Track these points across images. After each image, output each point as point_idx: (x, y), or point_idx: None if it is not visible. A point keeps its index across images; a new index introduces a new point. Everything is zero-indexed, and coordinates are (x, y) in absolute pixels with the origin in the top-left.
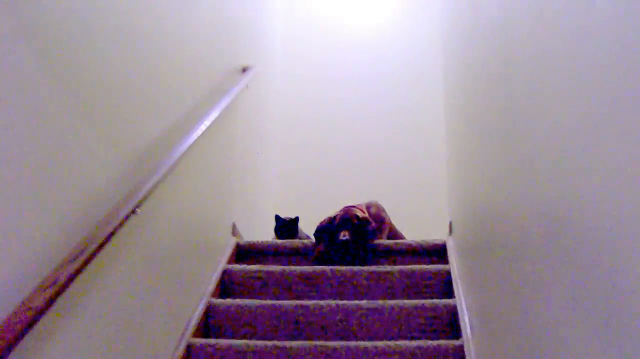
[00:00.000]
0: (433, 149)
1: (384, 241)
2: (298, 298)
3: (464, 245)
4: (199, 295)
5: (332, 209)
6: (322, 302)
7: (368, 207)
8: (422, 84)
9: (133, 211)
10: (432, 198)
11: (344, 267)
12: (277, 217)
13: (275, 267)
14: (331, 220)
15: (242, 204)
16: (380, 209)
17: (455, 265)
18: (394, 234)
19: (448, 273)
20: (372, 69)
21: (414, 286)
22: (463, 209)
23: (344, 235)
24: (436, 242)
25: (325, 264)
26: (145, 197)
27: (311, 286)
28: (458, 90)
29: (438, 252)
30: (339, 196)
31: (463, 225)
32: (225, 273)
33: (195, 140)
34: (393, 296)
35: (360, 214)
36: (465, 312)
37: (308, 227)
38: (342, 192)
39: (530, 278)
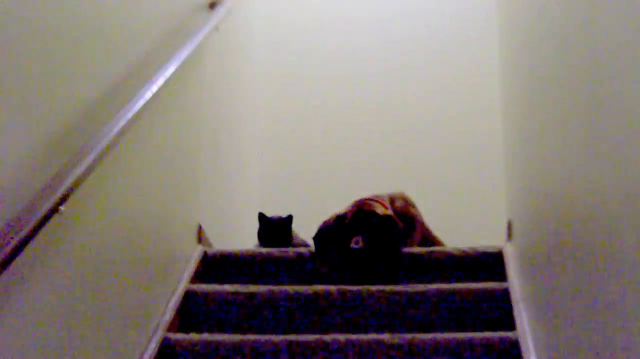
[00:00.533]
0: (481, 121)
1: (414, 249)
2: (292, 331)
3: (530, 253)
4: (151, 328)
5: (339, 207)
6: (326, 337)
7: (392, 200)
8: (470, 31)
9: (55, 209)
10: (480, 189)
11: (357, 287)
12: (262, 217)
13: (259, 288)
14: (339, 219)
15: (212, 200)
16: (408, 203)
17: (516, 282)
18: (427, 238)
19: (506, 294)
20: (399, 11)
21: (457, 313)
22: (529, 203)
23: (357, 242)
24: (488, 250)
25: (330, 283)
26: (72, 189)
27: (311, 313)
28: (521, 46)
29: (491, 265)
30: (347, 189)
31: (528, 225)
32: (187, 295)
33: (144, 106)
34: (428, 328)
35: (380, 210)
36: (532, 351)
37: (305, 232)
38: (352, 183)
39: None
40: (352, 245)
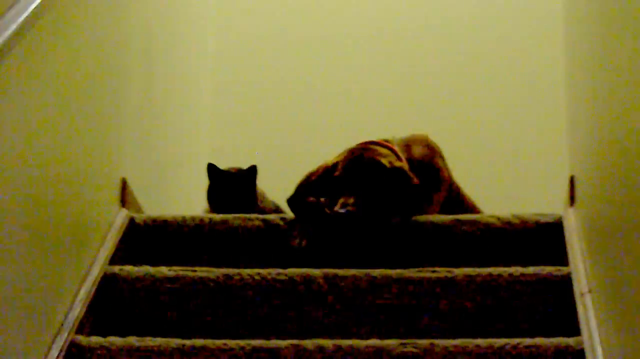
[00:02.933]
0: (527, 41)
1: (436, 217)
2: (256, 333)
3: (604, 224)
4: (52, 330)
5: (329, 157)
6: (306, 343)
7: (408, 146)
8: None
9: None
10: (531, 135)
11: (351, 272)
12: (213, 170)
13: (210, 272)
14: (326, 171)
15: (142, 146)
16: (433, 150)
17: (581, 266)
18: (457, 202)
19: (566, 283)
20: None
21: (494, 309)
22: (604, 152)
23: (345, 205)
24: (542, 219)
25: (313, 265)
26: None
27: (284, 308)
28: None
29: (546, 240)
30: (341, 134)
31: (602, 183)
32: (106, 281)
33: (41, 4)
34: (452, 331)
35: (387, 159)
36: None
37: (277, 193)
38: (348, 126)
39: None
40: (337, 209)
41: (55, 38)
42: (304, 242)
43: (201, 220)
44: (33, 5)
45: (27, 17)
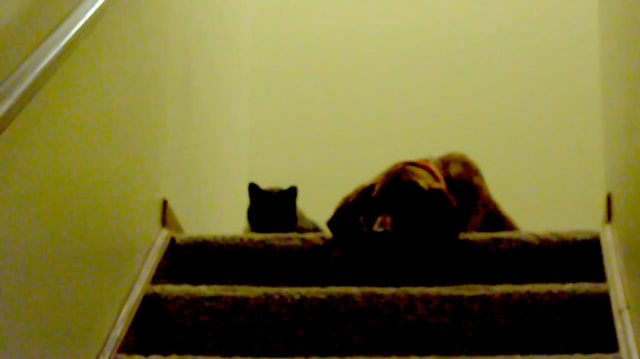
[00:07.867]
0: (564, 60)
1: (473, 235)
2: (295, 352)
3: None
4: (94, 349)
5: (367, 178)
6: None
7: (445, 164)
8: None
9: None
10: (569, 153)
11: (390, 290)
12: (254, 189)
13: (250, 290)
14: (364, 193)
15: (182, 167)
16: (471, 168)
17: (619, 283)
18: (495, 219)
19: (604, 300)
20: None
21: (532, 326)
22: None
23: (382, 223)
24: (579, 236)
25: (351, 283)
26: None
27: (323, 327)
28: None
29: (583, 257)
30: (379, 155)
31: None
32: (147, 301)
33: (82, 28)
34: (491, 348)
35: (425, 182)
36: None
37: (316, 214)
38: (387, 147)
39: None
40: (375, 227)
41: (98, 59)
42: (342, 262)
43: (241, 239)
44: (75, 29)
45: (69, 39)
